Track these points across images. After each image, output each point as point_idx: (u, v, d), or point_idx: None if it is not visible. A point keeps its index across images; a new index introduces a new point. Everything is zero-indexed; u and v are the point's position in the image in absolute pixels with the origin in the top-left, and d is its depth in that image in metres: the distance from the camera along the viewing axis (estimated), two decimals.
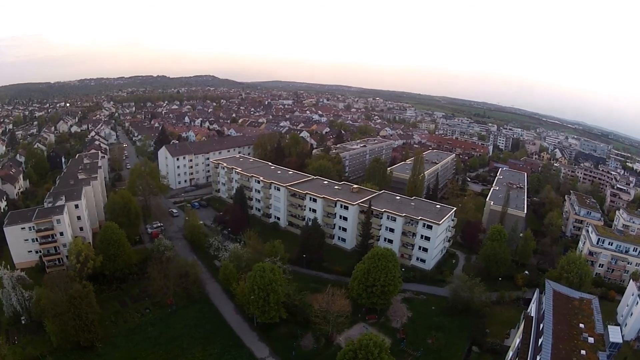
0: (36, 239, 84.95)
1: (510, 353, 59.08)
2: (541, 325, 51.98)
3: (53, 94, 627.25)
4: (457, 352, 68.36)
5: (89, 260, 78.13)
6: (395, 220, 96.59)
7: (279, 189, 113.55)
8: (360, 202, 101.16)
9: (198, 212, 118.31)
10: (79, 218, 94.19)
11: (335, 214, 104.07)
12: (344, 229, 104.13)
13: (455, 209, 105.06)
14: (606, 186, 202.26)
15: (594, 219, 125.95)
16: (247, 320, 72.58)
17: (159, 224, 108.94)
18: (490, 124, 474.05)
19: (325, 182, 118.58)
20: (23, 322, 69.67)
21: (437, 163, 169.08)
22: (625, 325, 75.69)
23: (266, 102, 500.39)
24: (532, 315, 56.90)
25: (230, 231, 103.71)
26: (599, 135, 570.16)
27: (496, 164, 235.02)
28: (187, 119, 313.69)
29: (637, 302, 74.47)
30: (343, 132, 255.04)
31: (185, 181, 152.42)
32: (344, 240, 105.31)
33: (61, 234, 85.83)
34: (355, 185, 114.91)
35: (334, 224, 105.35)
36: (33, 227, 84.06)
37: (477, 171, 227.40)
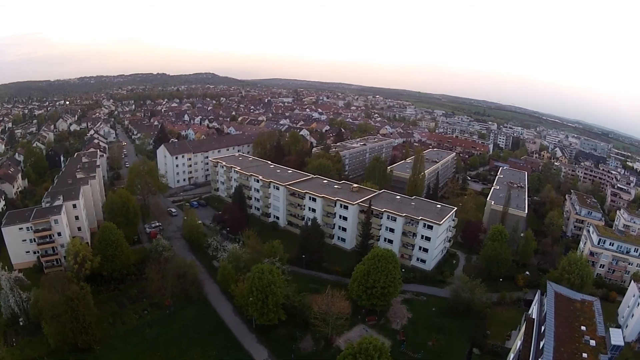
0: (34, 240, 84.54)
1: (511, 355, 58.56)
2: (543, 328, 51.48)
3: (53, 92, 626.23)
4: (457, 354, 67.88)
5: (86, 261, 77.55)
6: (395, 220, 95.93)
7: (278, 188, 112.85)
8: (360, 202, 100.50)
9: (197, 211, 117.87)
10: (77, 218, 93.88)
11: (335, 213, 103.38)
12: (344, 229, 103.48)
13: (455, 208, 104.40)
14: (607, 186, 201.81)
15: (595, 219, 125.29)
16: (245, 321, 72.02)
17: (158, 224, 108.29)
18: (490, 123, 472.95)
19: (325, 181, 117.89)
20: (21, 323, 69.31)
21: (438, 162, 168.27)
22: (626, 326, 75.23)
23: (266, 100, 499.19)
24: (533, 317, 56.42)
25: (229, 231, 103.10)
26: (599, 134, 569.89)
27: (496, 162, 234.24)
28: (186, 117, 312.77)
29: (638, 304, 73.92)
30: (343, 130, 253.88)
31: (184, 180, 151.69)
32: (343, 240, 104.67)
33: (59, 234, 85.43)
34: (355, 185, 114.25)
35: (334, 224, 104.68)
36: (31, 227, 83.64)
37: (478, 170, 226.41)
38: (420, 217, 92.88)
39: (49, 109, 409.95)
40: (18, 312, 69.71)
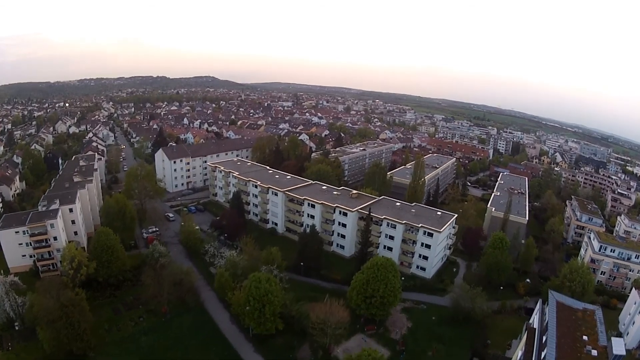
0: (30, 243, 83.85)
1: None
2: (544, 338, 50.70)
3: (52, 93, 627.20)
4: None
5: (82, 267, 76.75)
6: (395, 228, 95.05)
7: (276, 194, 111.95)
8: (360, 209, 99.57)
9: (195, 216, 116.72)
10: (73, 222, 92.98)
11: (334, 220, 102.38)
12: (343, 236, 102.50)
13: (456, 215, 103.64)
14: (607, 191, 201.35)
15: (596, 225, 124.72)
16: (242, 330, 70.90)
17: (155, 229, 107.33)
18: (490, 127, 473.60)
19: (324, 187, 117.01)
20: (17, 328, 68.78)
21: (438, 167, 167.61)
22: (627, 333, 74.63)
23: (266, 104, 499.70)
24: (534, 326, 55.68)
25: (226, 237, 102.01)
26: (598, 138, 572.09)
27: (497, 168, 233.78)
28: (185, 121, 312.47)
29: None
30: (342, 135, 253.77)
31: (182, 184, 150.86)
32: (342, 247, 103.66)
33: (55, 238, 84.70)
34: (354, 191, 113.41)
35: (333, 231, 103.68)
36: (27, 231, 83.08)
37: (478, 175, 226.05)
38: (420, 225, 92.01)
39: (48, 110, 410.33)
40: (13, 316, 69.26)
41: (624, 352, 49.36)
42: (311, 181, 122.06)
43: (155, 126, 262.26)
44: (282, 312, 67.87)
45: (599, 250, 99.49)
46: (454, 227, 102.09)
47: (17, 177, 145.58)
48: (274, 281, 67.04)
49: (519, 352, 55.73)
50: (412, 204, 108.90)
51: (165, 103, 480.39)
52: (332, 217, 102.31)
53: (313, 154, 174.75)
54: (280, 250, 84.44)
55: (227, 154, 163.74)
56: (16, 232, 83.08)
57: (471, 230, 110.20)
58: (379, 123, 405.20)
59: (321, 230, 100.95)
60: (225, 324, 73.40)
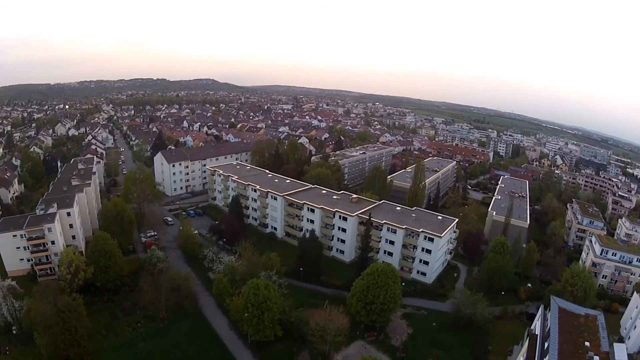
0: (28, 247, 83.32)
1: None
2: (546, 344, 50.15)
3: (52, 95, 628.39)
4: None
5: (79, 271, 76.29)
6: (395, 233, 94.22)
7: (276, 199, 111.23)
8: (360, 213, 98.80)
9: (193, 220, 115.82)
10: (71, 226, 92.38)
11: (334, 225, 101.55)
12: (343, 241, 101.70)
13: (457, 220, 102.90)
14: (608, 193, 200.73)
15: (597, 229, 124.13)
16: (241, 336, 70.06)
17: (153, 233, 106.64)
18: (490, 130, 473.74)
19: (324, 191, 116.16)
20: (14, 332, 68.49)
21: (438, 171, 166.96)
22: (629, 338, 73.98)
23: (265, 107, 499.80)
24: (536, 333, 55.19)
25: (225, 241, 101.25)
26: (598, 140, 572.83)
27: (497, 171, 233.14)
28: (185, 123, 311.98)
29: None
30: (342, 138, 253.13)
31: (181, 188, 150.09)
32: (342, 252, 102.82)
33: (52, 242, 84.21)
34: (354, 195, 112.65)
35: (332, 235, 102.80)
36: (24, 234, 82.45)
37: (478, 178, 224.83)
38: (421, 230, 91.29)
39: (48, 112, 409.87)
40: (11, 320, 69.01)
41: (625, 358, 48.85)
42: (311, 185, 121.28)
43: (154, 129, 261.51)
44: (281, 319, 67.13)
45: (601, 254, 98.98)
46: (454, 232, 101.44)
47: (16, 180, 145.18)
48: (272, 287, 66.31)
49: (521, 359, 55.24)
50: (413, 209, 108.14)
51: (165, 106, 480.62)
52: (331, 221, 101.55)
53: (313, 158, 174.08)
54: (280, 255, 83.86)
55: (226, 158, 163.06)
56: (14, 236, 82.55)
57: (472, 235, 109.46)
58: (379, 126, 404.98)
59: (321, 235, 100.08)
60: (224, 329, 72.64)
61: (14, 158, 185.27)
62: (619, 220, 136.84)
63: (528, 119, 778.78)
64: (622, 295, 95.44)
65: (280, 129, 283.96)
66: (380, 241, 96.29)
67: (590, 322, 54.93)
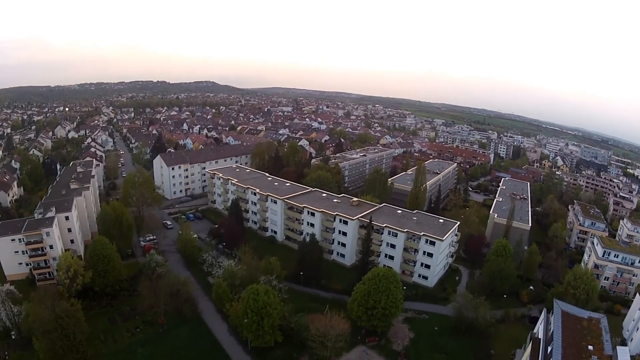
0: (26, 252, 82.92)
1: None
2: (549, 348, 49.69)
3: (53, 97, 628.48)
4: None
5: (78, 276, 75.82)
6: (396, 236, 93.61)
7: (275, 202, 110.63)
8: (360, 217, 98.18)
9: (193, 224, 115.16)
10: (69, 230, 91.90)
11: (334, 228, 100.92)
12: (343, 245, 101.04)
13: (458, 223, 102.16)
14: (609, 194, 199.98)
15: (599, 230, 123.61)
16: (241, 342, 69.40)
17: (152, 237, 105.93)
18: (490, 132, 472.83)
19: (324, 194, 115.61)
20: (13, 337, 68.27)
21: (439, 173, 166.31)
22: (631, 340, 73.27)
23: (265, 109, 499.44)
24: (539, 337, 54.59)
25: (225, 245, 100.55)
26: (598, 141, 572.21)
27: (498, 172, 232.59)
28: (185, 126, 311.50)
29: None
30: (342, 140, 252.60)
31: (181, 191, 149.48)
32: (343, 255, 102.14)
33: (51, 247, 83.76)
34: (355, 199, 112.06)
35: (333, 239, 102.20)
36: (23, 239, 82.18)
37: (479, 180, 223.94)
38: (422, 233, 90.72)
39: (48, 115, 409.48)
40: (10, 325, 68.79)
41: None
42: (311, 188, 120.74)
43: (154, 131, 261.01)
44: (281, 324, 66.61)
45: (603, 256, 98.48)
46: (456, 235, 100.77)
47: (15, 183, 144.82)
48: (272, 293, 65.70)
49: None
50: (414, 212, 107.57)
51: (165, 108, 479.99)
52: (332, 225, 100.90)
53: (313, 160, 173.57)
54: (280, 259, 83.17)
55: (226, 160, 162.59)
56: (12, 240, 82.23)
57: (473, 238, 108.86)
58: (379, 128, 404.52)
59: (321, 238, 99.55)
60: (224, 335, 72.00)
61: (13, 161, 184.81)
62: (621, 221, 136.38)
63: (528, 120, 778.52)
64: (624, 297, 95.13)
65: (280, 132, 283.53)
66: (381, 245, 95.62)
67: (594, 325, 54.50)
